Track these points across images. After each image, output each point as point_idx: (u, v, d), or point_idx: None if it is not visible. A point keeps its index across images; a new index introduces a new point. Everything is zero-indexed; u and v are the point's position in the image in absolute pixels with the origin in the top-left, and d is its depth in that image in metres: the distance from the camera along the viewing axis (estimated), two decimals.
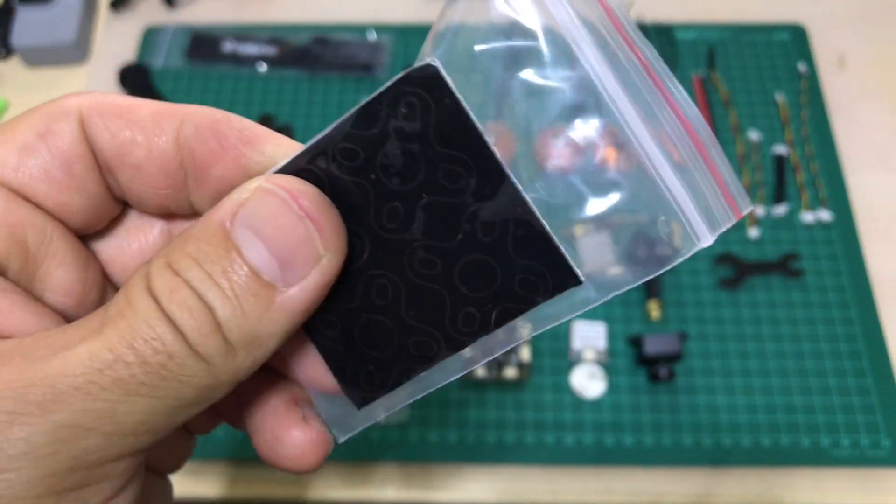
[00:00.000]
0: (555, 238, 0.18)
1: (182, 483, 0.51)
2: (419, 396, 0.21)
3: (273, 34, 0.70)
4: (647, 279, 0.18)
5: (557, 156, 0.18)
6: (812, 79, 0.67)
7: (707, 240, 0.17)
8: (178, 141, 0.20)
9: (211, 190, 0.20)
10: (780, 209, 0.61)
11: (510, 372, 0.54)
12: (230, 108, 0.24)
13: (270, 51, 0.69)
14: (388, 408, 0.22)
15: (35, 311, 0.20)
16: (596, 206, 0.18)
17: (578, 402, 0.54)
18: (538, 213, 0.18)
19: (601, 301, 0.19)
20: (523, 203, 0.18)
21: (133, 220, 0.23)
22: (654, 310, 0.57)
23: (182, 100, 0.67)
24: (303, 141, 0.20)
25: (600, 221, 0.18)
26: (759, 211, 0.61)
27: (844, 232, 0.60)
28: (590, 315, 0.57)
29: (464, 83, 0.18)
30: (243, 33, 0.71)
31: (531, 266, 0.18)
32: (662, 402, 0.54)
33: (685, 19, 0.71)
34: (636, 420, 0.54)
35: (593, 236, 0.18)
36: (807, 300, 0.58)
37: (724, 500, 0.52)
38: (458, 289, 0.19)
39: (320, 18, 0.72)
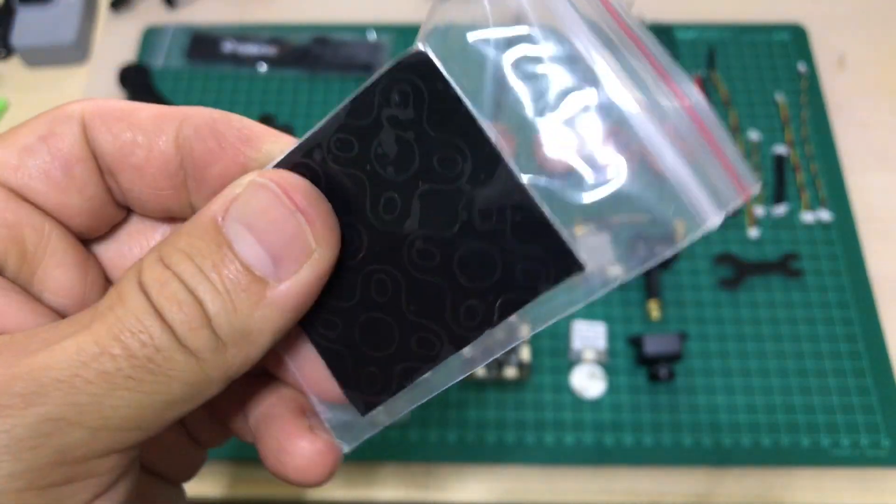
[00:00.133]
0: (554, 223, 0.17)
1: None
2: (422, 401, 0.20)
3: (273, 34, 0.70)
4: (650, 265, 0.17)
5: (556, 146, 0.17)
6: (812, 79, 0.67)
7: (714, 218, 0.16)
8: (178, 141, 0.20)
9: (210, 189, 0.21)
10: (780, 209, 0.61)
11: (510, 372, 0.54)
12: (230, 108, 0.24)
13: (270, 51, 0.69)
14: (391, 414, 0.21)
15: (32, 310, 0.20)
16: (597, 192, 0.17)
17: (578, 402, 0.54)
18: (536, 197, 0.17)
19: (600, 294, 0.18)
20: (520, 187, 0.17)
21: (135, 225, 0.23)
22: (654, 310, 0.57)
23: (182, 100, 0.68)
24: None
25: (601, 215, 0.17)
26: (759, 211, 0.61)
27: (844, 232, 0.60)
28: (590, 315, 0.57)
29: (456, 71, 0.18)
30: (243, 33, 0.71)
31: (532, 254, 0.18)
32: (662, 402, 0.54)
33: (685, 19, 0.71)
34: (636, 420, 0.54)
35: (593, 236, 0.18)
36: (806, 300, 0.58)
37: (724, 500, 0.52)
38: (458, 280, 0.19)
39: (320, 18, 0.72)
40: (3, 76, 0.71)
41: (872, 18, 0.72)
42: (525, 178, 0.17)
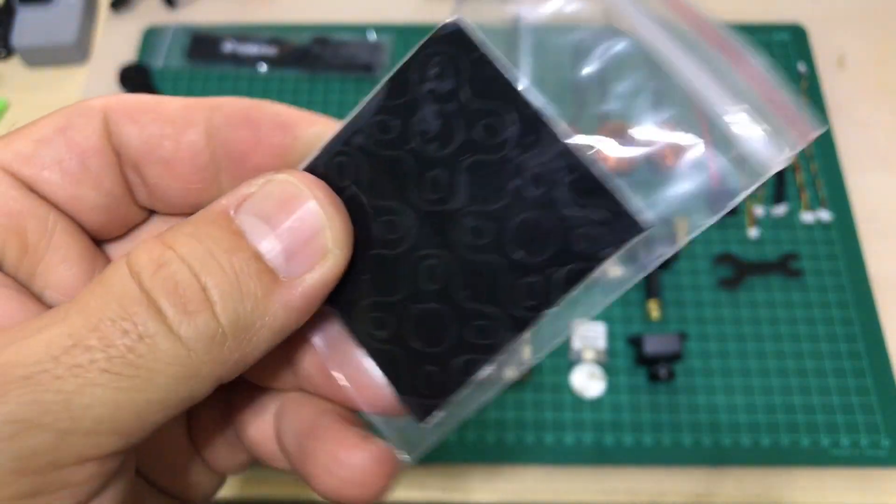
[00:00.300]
0: (608, 182, 0.16)
1: None
2: (486, 400, 0.19)
3: (273, 34, 0.70)
4: (709, 224, 0.16)
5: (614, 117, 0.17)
6: (812, 79, 0.67)
7: (779, 162, 0.15)
8: (209, 132, 0.19)
9: None
10: (780, 209, 0.61)
11: (510, 372, 0.54)
12: None
13: (271, 51, 0.69)
14: (453, 417, 0.19)
15: (24, 306, 0.18)
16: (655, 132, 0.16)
17: (578, 402, 0.54)
18: (585, 157, 0.16)
19: (638, 278, 0.17)
20: (566, 148, 0.17)
21: (157, 226, 0.22)
22: (654, 310, 0.57)
23: None
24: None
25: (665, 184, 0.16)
26: (759, 211, 0.61)
27: (844, 232, 0.60)
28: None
29: (492, 38, 0.17)
30: (243, 33, 0.71)
31: (589, 218, 0.17)
32: (662, 401, 0.54)
33: None
34: (636, 420, 0.54)
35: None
36: (806, 300, 0.58)
37: (723, 500, 0.52)
38: (513, 256, 0.17)
39: (320, 18, 0.72)
40: (3, 76, 0.71)
41: (872, 18, 0.72)
42: (575, 139, 0.17)
